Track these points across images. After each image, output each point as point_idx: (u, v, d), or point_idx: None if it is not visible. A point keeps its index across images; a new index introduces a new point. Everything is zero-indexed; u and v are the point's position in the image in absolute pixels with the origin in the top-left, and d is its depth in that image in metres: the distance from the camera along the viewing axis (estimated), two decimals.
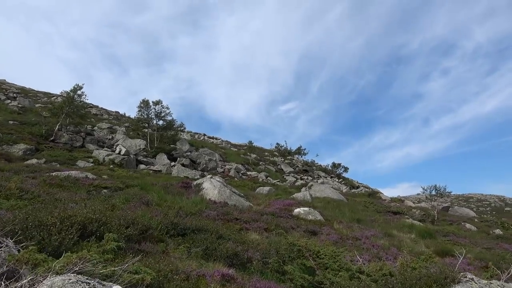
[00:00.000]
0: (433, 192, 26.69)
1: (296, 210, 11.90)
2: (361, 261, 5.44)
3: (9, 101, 38.23)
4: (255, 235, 7.90)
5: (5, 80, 58.89)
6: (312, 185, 29.82)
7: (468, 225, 24.93)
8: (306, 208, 12.15)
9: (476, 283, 3.24)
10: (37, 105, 39.87)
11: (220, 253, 5.64)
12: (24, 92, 48.78)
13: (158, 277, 3.40)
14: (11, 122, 28.94)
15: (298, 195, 20.66)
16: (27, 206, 5.94)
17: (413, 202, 49.84)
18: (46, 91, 56.93)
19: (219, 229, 7.00)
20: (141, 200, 8.24)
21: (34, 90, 56.59)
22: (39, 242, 3.53)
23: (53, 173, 10.11)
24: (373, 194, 42.96)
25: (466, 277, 3.34)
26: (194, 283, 4.04)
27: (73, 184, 9.05)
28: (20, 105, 37.32)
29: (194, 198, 10.14)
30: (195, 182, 13.25)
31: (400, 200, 45.47)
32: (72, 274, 2.34)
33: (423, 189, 28.73)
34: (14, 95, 42.40)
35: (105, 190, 9.37)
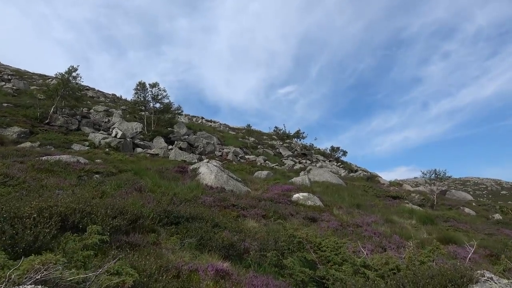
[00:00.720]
0: (433, 176, 26.61)
1: (295, 196, 11.60)
2: (365, 253, 5.15)
3: (3, 83, 37.51)
4: (253, 222, 7.60)
5: None
6: (310, 169, 29.57)
7: (467, 210, 24.88)
8: (305, 194, 11.85)
9: (496, 283, 2.93)
10: (32, 88, 39.12)
11: (216, 244, 5.33)
12: (19, 74, 47.90)
13: (142, 277, 3.07)
14: (5, 104, 28.37)
15: (297, 179, 20.41)
16: (11, 193, 5.58)
17: (411, 186, 49.96)
18: (41, 73, 55.98)
19: (215, 217, 6.68)
20: (133, 186, 7.89)
21: (30, 72, 55.61)
22: (11, 237, 3.18)
23: (43, 158, 9.72)
24: (372, 178, 42.91)
25: (484, 276, 3.03)
26: (185, 280, 3.72)
27: (63, 169, 8.66)
28: (14, 87, 36.63)
29: (189, 184, 9.80)
30: (191, 167, 12.90)
31: (398, 184, 45.47)
32: (29, 286, 1.98)
33: (423, 173, 28.67)
34: (9, 77, 41.60)
35: (97, 175, 9.01)
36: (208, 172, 11.78)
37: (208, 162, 13.00)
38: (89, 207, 4.43)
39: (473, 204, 34.00)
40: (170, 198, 7.23)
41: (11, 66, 54.95)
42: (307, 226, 8.34)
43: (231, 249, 5.31)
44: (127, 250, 4.06)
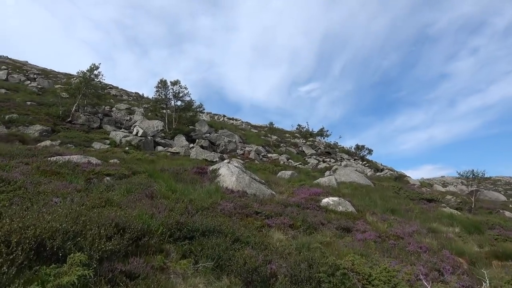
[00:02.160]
0: (470, 177, 24.81)
1: (325, 201, 10.51)
2: (425, 283, 4.06)
3: (29, 82, 38.08)
4: (279, 234, 6.60)
5: (27, 61, 59.26)
6: (336, 168, 28.23)
7: (507, 213, 22.97)
8: (335, 198, 10.74)
9: None
10: (56, 86, 39.51)
11: (236, 267, 4.37)
12: (45, 73, 48.72)
13: None
14: (28, 103, 28.56)
15: (323, 180, 19.24)
16: (3, 201, 4.82)
17: (442, 186, 47.55)
18: (67, 72, 56.88)
19: (235, 229, 5.71)
20: (145, 191, 7.04)
21: (55, 71, 56.60)
22: None
23: (53, 158, 9.08)
24: (400, 178, 41.03)
25: None
26: None
27: (71, 171, 7.95)
28: (39, 86, 37.09)
29: (208, 187, 8.89)
30: (210, 168, 12.01)
31: (429, 184, 43.31)
32: None
33: (459, 174, 26.78)
34: (35, 76, 42.27)
35: (107, 178, 8.25)
36: (229, 174, 10.85)
37: (229, 162, 12.09)
38: (77, 225, 3.57)
39: (510, 206, 31.66)
40: (185, 207, 6.32)
41: (38, 66, 56.14)
42: (341, 238, 7.27)
43: (255, 273, 4.33)
44: (121, 285, 3.17)
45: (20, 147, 10.81)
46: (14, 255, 2.72)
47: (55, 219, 3.46)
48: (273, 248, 5.48)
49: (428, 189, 32.68)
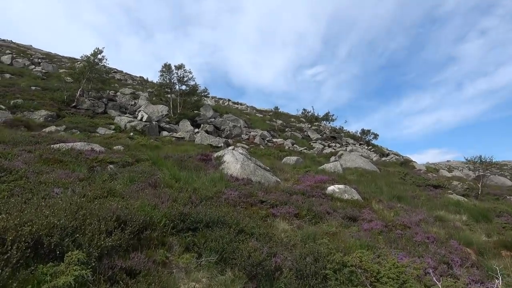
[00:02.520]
0: (477, 162, 24.53)
1: (330, 188, 10.39)
2: (434, 279, 3.94)
3: (33, 66, 37.95)
4: (284, 224, 6.50)
5: (31, 45, 58.98)
6: (342, 154, 28.04)
7: None
8: (341, 186, 10.60)
9: None
10: (61, 71, 39.35)
11: (240, 260, 4.28)
12: (49, 57, 48.48)
13: None
14: (33, 88, 28.50)
15: (328, 166, 19.10)
16: (3, 191, 4.74)
17: (448, 171, 47.23)
18: (71, 57, 56.58)
19: (239, 220, 5.62)
20: (148, 180, 6.94)
21: (60, 56, 56.31)
22: None
23: (56, 145, 9.00)
24: (406, 163, 40.75)
25: None
26: None
27: (74, 159, 7.86)
28: (44, 71, 36.96)
29: (212, 175, 8.78)
30: (215, 154, 11.89)
31: (434, 169, 43.01)
32: None
33: (466, 160, 26.50)
34: (39, 60, 42.11)
35: (111, 166, 8.16)
36: (234, 161, 10.73)
37: (233, 149, 11.95)
38: (76, 220, 3.47)
39: None
40: (188, 196, 6.21)
41: (42, 50, 55.89)
42: (347, 228, 7.17)
43: (259, 267, 4.25)
44: (121, 284, 3.09)
45: (23, 134, 10.75)
46: (9, 254, 2.63)
47: (53, 213, 3.36)
48: (278, 240, 5.39)
49: (434, 175, 32.43)
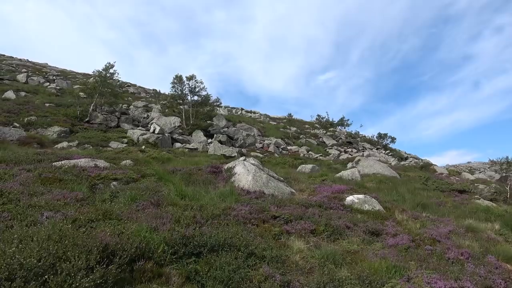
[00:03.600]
0: (504, 163, 23.32)
1: (349, 199, 9.69)
2: None
3: (48, 83, 38.57)
4: (300, 242, 5.88)
5: (47, 63, 60.34)
6: (359, 160, 27.14)
7: None
8: (360, 196, 9.90)
9: None
10: (75, 87, 39.86)
11: None
12: (64, 74, 49.38)
13: None
14: (47, 104, 28.79)
15: (346, 173, 18.32)
16: None
17: (470, 173, 45.39)
18: (85, 72, 57.53)
19: (249, 241, 5.04)
20: (151, 198, 6.45)
21: (74, 72, 57.31)
22: None
23: (59, 163, 8.66)
24: (426, 167, 39.32)
25: None
26: None
27: (75, 177, 7.48)
28: (58, 87, 37.47)
29: (221, 189, 8.24)
30: (226, 166, 11.36)
31: (457, 172, 41.38)
32: None
33: (491, 161, 25.29)
34: (54, 77, 42.81)
35: (114, 183, 7.74)
36: (245, 172, 10.18)
37: (245, 160, 11.40)
38: (50, 256, 2.96)
39: None
40: (193, 215, 5.67)
41: (57, 67, 57.07)
42: (369, 245, 6.49)
43: None
44: None
45: (28, 152, 10.49)
46: None
47: (21, 249, 2.88)
48: (292, 263, 4.78)
49: (457, 178, 31.05)
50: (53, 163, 8.58)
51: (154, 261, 3.87)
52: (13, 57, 52.80)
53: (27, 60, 54.55)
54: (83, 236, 3.60)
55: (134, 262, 3.68)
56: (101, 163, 9.36)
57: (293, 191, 10.70)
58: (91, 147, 20.75)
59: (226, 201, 7.53)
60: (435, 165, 42.62)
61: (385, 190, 14.66)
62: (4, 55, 52.41)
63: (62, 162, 8.81)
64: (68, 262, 2.94)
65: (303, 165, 21.13)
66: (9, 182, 6.15)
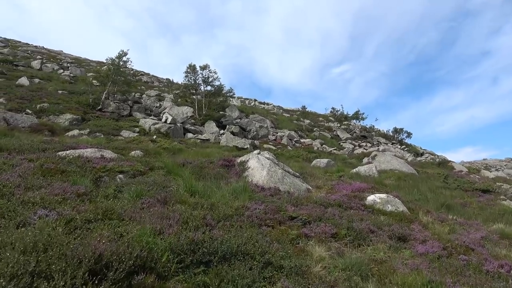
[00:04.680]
0: None
1: (370, 198, 9.03)
2: None
3: (62, 70, 38.50)
4: (320, 248, 5.29)
5: (62, 51, 60.50)
6: (376, 155, 26.27)
7: None
8: (382, 195, 9.22)
9: None
10: (89, 74, 39.75)
11: None
12: (79, 62, 49.35)
13: None
14: (60, 91, 28.64)
15: (362, 169, 17.57)
16: None
17: (487, 170, 43.98)
18: (100, 60, 57.47)
19: (265, 248, 4.48)
20: (158, 195, 5.91)
21: (89, 60, 57.28)
22: None
23: (64, 152, 8.22)
24: (444, 164, 38.12)
25: None
26: None
27: (79, 169, 7.01)
28: (71, 75, 37.38)
29: (234, 185, 7.66)
30: (238, 160, 10.78)
31: (476, 169, 40.04)
32: None
33: (509, 159, 24.09)
34: (68, 65, 42.76)
35: (120, 176, 7.25)
36: (259, 167, 9.59)
37: (259, 153, 10.82)
38: (27, 274, 2.44)
39: None
40: (203, 215, 5.12)
41: (72, 55, 57.13)
42: (397, 252, 5.85)
43: None
44: None
45: (34, 139, 10.11)
46: None
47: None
48: (314, 277, 4.19)
49: (477, 176, 29.90)
50: (58, 153, 8.14)
51: (156, 274, 3.33)
52: (28, 44, 53.02)
53: (42, 47, 54.73)
54: (74, 243, 3.08)
55: (133, 275, 3.15)
56: (108, 153, 8.90)
57: (310, 187, 10.09)
58: (102, 136, 20.47)
59: (239, 198, 6.97)
60: (453, 162, 41.35)
61: (405, 188, 13.93)
62: (20, 42, 52.67)
63: (67, 152, 8.37)
64: (50, 281, 2.42)
65: (318, 159, 20.45)
66: (6, 173, 5.71)
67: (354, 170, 17.38)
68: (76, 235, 3.37)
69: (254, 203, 6.77)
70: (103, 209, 4.49)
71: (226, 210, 5.73)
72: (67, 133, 19.44)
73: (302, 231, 5.88)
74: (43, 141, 9.94)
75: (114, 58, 29.62)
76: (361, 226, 6.55)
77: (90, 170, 7.13)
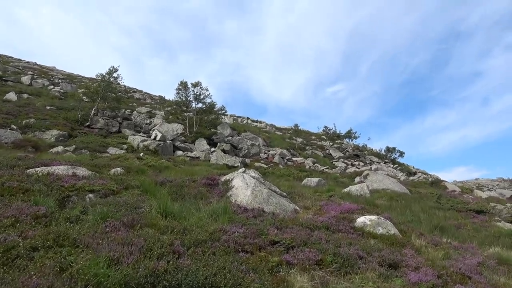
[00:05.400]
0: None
1: (360, 220, 8.55)
2: None
3: (52, 86, 38.03)
4: (303, 278, 4.77)
5: (54, 67, 60.20)
6: (368, 174, 25.91)
7: None
8: (373, 217, 8.74)
9: None
10: (80, 91, 39.32)
11: None
12: (71, 78, 48.98)
13: None
14: (48, 107, 28.09)
15: (354, 189, 17.15)
16: None
17: (481, 190, 43.81)
18: (92, 77, 57.19)
19: (238, 279, 3.97)
20: (126, 217, 5.37)
21: (81, 76, 56.94)
22: None
23: (34, 169, 7.69)
24: (436, 183, 37.90)
25: None
26: None
27: (46, 187, 6.49)
28: (62, 90, 36.91)
29: (214, 206, 7.15)
30: (222, 178, 10.28)
31: (468, 189, 39.81)
32: None
33: (501, 179, 23.91)
34: (58, 80, 42.31)
35: (90, 195, 6.72)
36: (243, 186, 9.10)
37: (244, 172, 10.35)
38: None
39: None
40: (171, 242, 4.60)
41: (64, 71, 56.80)
42: (387, 281, 5.35)
43: None
44: None
45: (7, 155, 9.55)
46: None
47: None
48: None
49: (470, 196, 29.61)
50: (28, 170, 7.60)
51: None
52: (20, 60, 52.71)
53: (35, 63, 54.42)
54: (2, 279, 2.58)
55: None
56: (82, 171, 8.36)
57: (297, 208, 9.59)
58: (88, 153, 19.88)
59: (218, 220, 6.45)
60: (446, 181, 41.18)
61: (398, 208, 13.48)
62: (12, 57, 52.32)
63: (38, 168, 7.83)
64: None
65: (309, 178, 19.99)
66: None
67: (345, 189, 16.94)
68: (13, 266, 2.86)
69: (234, 225, 6.26)
70: (55, 234, 3.97)
71: (200, 234, 5.21)
72: (51, 150, 18.83)
73: (284, 257, 5.37)
74: (16, 157, 9.39)
75: (104, 74, 29.32)
76: (349, 252, 6.05)
77: (57, 189, 6.59)
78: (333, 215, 8.80)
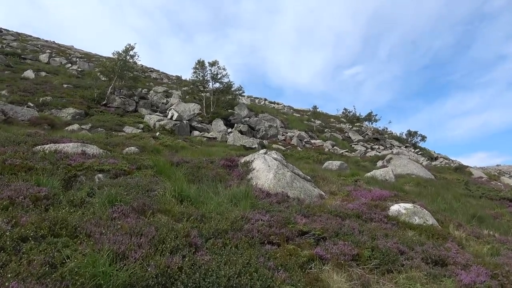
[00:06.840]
0: None
1: (394, 208, 7.76)
2: None
3: (70, 65, 37.89)
4: (339, 277, 4.08)
5: (73, 46, 60.16)
6: (391, 158, 24.83)
7: None
8: (408, 205, 7.93)
9: None
10: (96, 69, 39.05)
11: None
12: (88, 57, 48.79)
13: None
14: (65, 85, 27.85)
15: (378, 173, 16.24)
16: None
17: (507, 176, 42.06)
18: (110, 56, 56.91)
19: (267, 278, 3.30)
20: (133, 204, 4.72)
21: (99, 55, 56.74)
22: None
23: (42, 147, 7.17)
24: (461, 169, 36.37)
25: None
26: None
27: (52, 166, 5.95)
28: (79, 69, 36.71)
29: (234, 189, 6.48)
30: (242, 160, 9.59)
31: (496, 176, 38.15)
32: None
33: None
34: (76, 59, 42.13)
35: (99, 175, 6.15)
36: (265, 169, 8.39)
37: (265, 153, 9.63)
38: None
39: None
40: (187, 232, 3.94)
41: (82, 50, 56.70)
42: (436, 282, 4.60)
43: None
44: None
45: (17, 132, 9.10)
46: None
47: None
48: None
49: (499, 183, 28.18)
50: (35, 147, 7.08)
51: None
52: (39, 38, 52.73)
53: (53, 41, 54.43)
54: None
55: None
56: (93, 149, 7.80)
57: (323, 194, 8.85)
58: (104, 131, 19.56)
59: (239, 206, 5.78)
60: (470, 167, 39.55)
61: (428, 195, 12.55)
62: (30, 36, 52.39)
63: (46, 146, 7.31)
64: None
65: (330, 161, 19.16)
66: None
67: (369, 174, 16.06)
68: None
69: (257, 212, 5.58)
70: (51, 221, 3.36)
71: (220, 223, 4.54)
72: (67, 128, 18.55)
73: (315, 251, 4.67)
74: (26, 133, 8.92)
75: (120, 52, 28.76)
76: (388, 245, 5.30)
77: (64, 167, 6.03)
78: (363, 202, 8.02)
